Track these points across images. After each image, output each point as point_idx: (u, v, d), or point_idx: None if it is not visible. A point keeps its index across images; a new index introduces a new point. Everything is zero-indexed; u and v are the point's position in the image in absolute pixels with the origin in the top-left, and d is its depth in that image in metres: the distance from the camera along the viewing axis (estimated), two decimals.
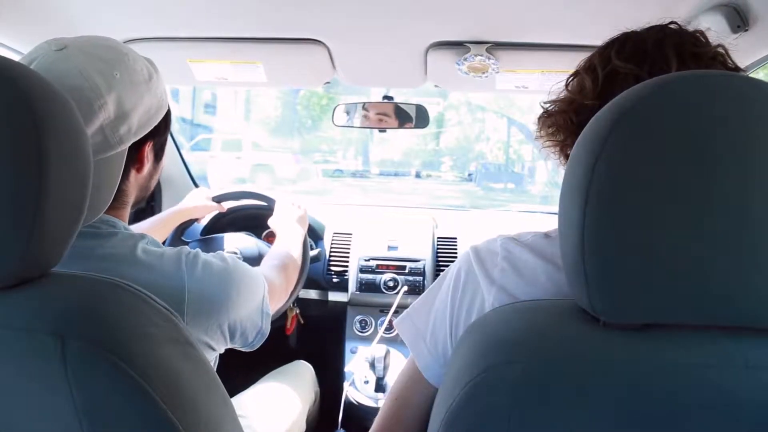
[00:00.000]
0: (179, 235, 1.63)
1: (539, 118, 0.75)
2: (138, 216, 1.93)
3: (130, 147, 0.78)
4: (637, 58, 0.65)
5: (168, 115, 0.87)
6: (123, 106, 0.74)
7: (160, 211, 1.97)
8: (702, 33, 0.68)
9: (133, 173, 0.82)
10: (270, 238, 1.73)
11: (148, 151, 0.83)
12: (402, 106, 1.68)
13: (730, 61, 0.67)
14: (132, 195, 0.85)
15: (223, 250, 1.54)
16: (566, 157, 0.73)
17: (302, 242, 1.42)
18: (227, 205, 1.75)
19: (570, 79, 0.73)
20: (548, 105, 0.75)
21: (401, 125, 1.70)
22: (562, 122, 0.71)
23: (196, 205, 1.58)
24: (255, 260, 1.55)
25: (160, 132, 0.85)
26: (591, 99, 0.66)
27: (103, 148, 0.74)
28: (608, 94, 0.55)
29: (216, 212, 1.73)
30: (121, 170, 0.78)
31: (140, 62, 0.80)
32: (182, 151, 1.96)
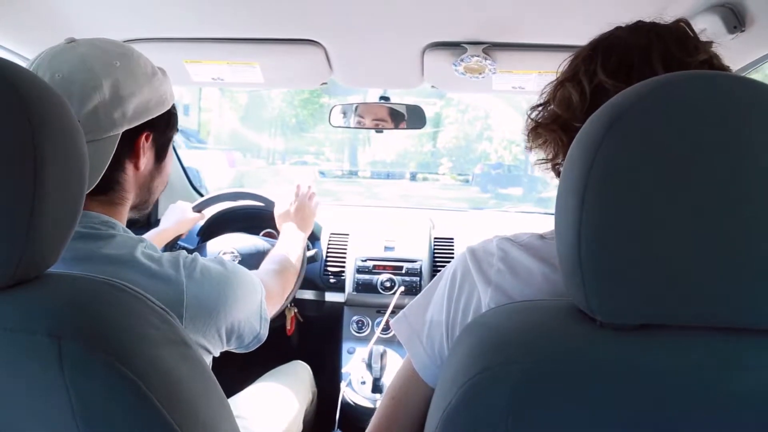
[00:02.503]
0: (169, 249, 1.64)
1: (529, 131, 0.74)
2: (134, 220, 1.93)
3: (125, 137, 0.80)
4: (624, 73, 0.64)
5: (171, 116, 0.89)
6: (119, 90, 0.77)
7: (157, 212, 1.96)
8: (690, 36, 0.67)
9: (130, 167, 0.83)
10: (268, 235, 1.74)
11: (146, 145, 0.84)
12: (398, 106, 1.68)
13: (718, 64, 0.66)
14: (131, 192, 0.85)
15: (206, 256, 1.55)
16: (557, 173, 0.72)
17: (304, 245, 1.43)
18: (216, 209, 1.75)
19: (555, 90, 0.71)
20: (535, 115, 0.74)
21: (397, 126, 1.70)
22: (552, 140, 0.71)
23: (178, 221, 1.59)
24: (253, 257, 1.55)
25: (160, 129, 0.87)
26: (580, 120, 0.62)
27: (95, 129, 0.76)
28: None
29: (207, 218, 1.73)
30: (110, 157, 0.78)
31: (145, 60, 0.84)
32: (179, 152, 1.96)
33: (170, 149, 0.93)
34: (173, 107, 0.90)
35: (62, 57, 0.76)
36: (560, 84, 0.71)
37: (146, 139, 0.84)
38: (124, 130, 0.79)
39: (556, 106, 0.70)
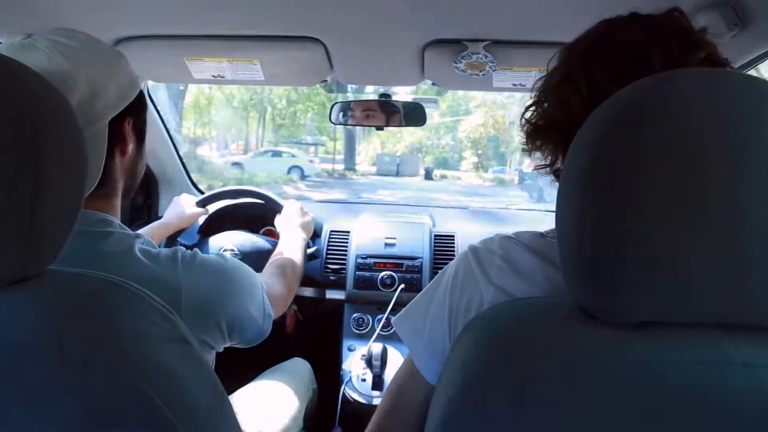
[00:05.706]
0: (171, 244, 1.64)
1: (526, 133, 0.73)
2: (134, 214, 1.94)
3: (110, 126, 0.79)
4: (624, 77, 0.58)
5: (142, 96, 0.88)
6: (95, 82, 0.76)
7: (158, 209, 1.97)
8: (685, 28, 0.65)
9: (117, 155, 0.83)
10: (268, 233, 1.75)
11: (129, 129, 0.84)
12: (397, 104, 1.68)
13: (717, 58, 0.64)
14: (120, 181, 0.85)
15: (209, 252, 1.56)
16: (557, 177, 0.70)
17: (304, 246, 1.44)
18: (218, 205, 1.76)
19: (551, 91, 0.69)
20: (529, 115, 0.72)
21: (397, 123, 1.71)
22: (550, 145, 0.70)
23: (180, 215, 1.59)
24: (253, 255, 1.56)
25: (136, 110, 0.86)
26: (579, 125, 0.57)
27: (83, 124, 0.73)
28: None
29: (206, 215, 1.74)
30: (105, 147, 0.78)
31: (105, 45, 0.82)
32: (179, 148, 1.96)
33: (145, 129, 0.92)
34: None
35: (24, 57, 0.73)
36: (556, 85, 0.68)
37: (128, 123, 0.83)
38: (109, 119, 0.78)
39: (553, 108, 0.69)
